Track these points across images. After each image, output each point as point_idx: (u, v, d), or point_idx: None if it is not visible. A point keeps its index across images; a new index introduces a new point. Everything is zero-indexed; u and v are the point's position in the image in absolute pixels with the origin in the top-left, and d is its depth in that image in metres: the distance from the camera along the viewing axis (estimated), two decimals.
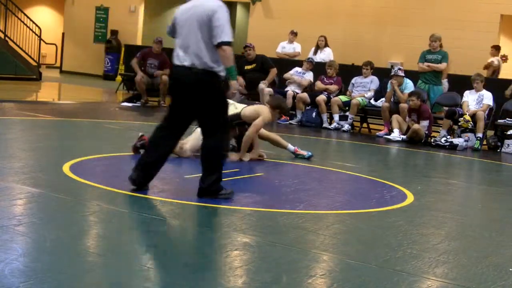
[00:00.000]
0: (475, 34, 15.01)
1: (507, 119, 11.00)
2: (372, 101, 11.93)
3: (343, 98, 12.07)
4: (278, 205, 5.48)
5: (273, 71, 12.62)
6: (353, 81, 12.33)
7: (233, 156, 7.25)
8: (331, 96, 12.14)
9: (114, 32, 19.93)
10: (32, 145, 7.50)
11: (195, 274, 3.58)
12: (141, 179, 5.36)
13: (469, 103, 10.98)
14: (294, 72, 12.78)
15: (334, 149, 10.44)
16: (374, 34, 16.27)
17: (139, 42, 19.43)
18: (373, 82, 12.14)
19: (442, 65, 11.73)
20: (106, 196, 5.19)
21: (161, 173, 6.36)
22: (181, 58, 5.27)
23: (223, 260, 3.88)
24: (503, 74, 15.47)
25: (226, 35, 5.16)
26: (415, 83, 11.72)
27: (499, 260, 4.32)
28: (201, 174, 5.36)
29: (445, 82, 11.83)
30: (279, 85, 12.90)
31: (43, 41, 19.36)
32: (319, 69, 12.76)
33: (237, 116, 7.30)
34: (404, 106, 11.02)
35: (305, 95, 12.25)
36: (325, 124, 12.01)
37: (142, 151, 6.55)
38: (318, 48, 14.04)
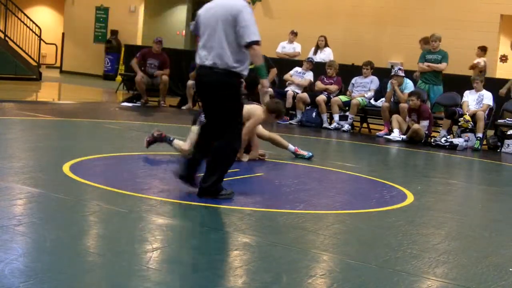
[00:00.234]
0: (475, 34, 15.00)
1: (507, 119, 11.00)
2: (372, 101, 11.93)
3: (343, 98, 12.07)
4: (278, 205, 5.48)
5: (273, 71, 12.61)
6: (353, 81, 12.33)
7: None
8: (331, 96, 12.14)
9: (114, 32, 19.94)
10: (32, 145, 7.50)
11: (195, 274, 3.58)
12: (187, 173, 5.43)
13: (469, 103, 10.99)
14: (294, 73, 12.78)
15: (334, 149, 10.44)
16: (374, 34, 16.27)
17: (139, 42, 19.43)
18: (373, 82, 12.14)
19: (442, 65, 11.73)
20: (106, 196, 5.19)
21: (161, 173, 6.37)
22: (203, 57, 5.29)
23: (223, 260, 3.88)
24: (503, 74, 15.48)
25: (254, 34, 5.17)
26: (415, 83, 11.72)
27: (499, 260, 4.32)
28: (203, 174, 5.37)
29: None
30: (279, 85, 12.90)
31: (43, 41, 19.37)
32: (319, 69, 12.76)
33: None
34: (404, 106, 11.03)
35: (305, 95, 12.25)
36: (325, 124, 12.01)
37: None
38: (318, 48, 14.03)
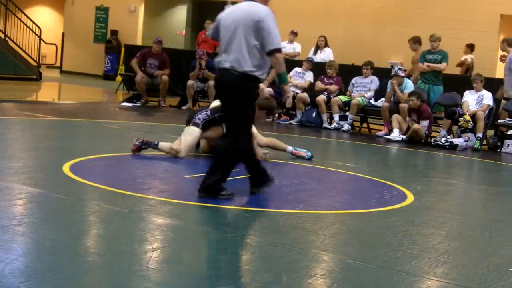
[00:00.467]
0: (475, 34, 15.00)
1: (507, 119, 11.00)
2: (372, 101, 11.93)
3: (343, 98, 12.07)
4: (278, 205, 5.48)
5: (273, 71, 12.51)
6: (353, 81, 12.33)
7: None
8: (331, 96, 12.14)
9: (114, 32, 19.94)
10: (32, 145, 7.50)
11: (195, 274, 3.59)
12: (256, 184, 5.63)
13: (469, 103, 10.99)
14: (294, 73, 12.78)
15: (334, 149, 10.44)
16: (374, 34, 16.27)
17: (139, 42, 19.43)
18: (373, 82, 12.14)
19: (442, 65, 11.73)
20: (106, 196, 5.20)
21: (161, 173, 6.37)
22: (222, 60, 5.36)
23: (223, 260, 3.88)
24: (503, 74, 15.49)
25: (277, 42, 5.24)
26: (415, 83, 11.72)
27: (499, 260, 4.32)
28: (204, 174, 5.37)
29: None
30: (279, 85, 12.88)
31: (43, 41, 19.37)
32: (319, 69, 12.76)
33: (218, 109, 7.32)
34: (404, 106, 11.03)
35: (305, 95, 12.25)
36: (325, 124, 12.01)
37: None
38: (318, 48, 14.03)
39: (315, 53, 14.01)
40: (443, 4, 15.52)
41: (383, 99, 11.68)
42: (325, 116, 12.08)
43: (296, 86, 12.54)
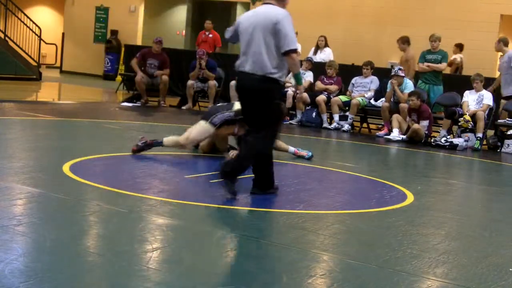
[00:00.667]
0: (475, 34, 15.01)
1: (507, 119, 11.01)
2: (372, 101, 11.93)
3: (343, 98, 12.07)
4: (278, 205, 5.48)
5: None
6: (353, 81, 12.33)
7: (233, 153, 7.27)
8: (331, 96, 12.14)
9: (114, 32, 19.94)
10: (32, 145, 7.50)
11: (195, 274, 3.58)
12: (260, 189, 5.59)
13: (469, 103, 10.99)
14: None
15: (334, 149, 10.44)
16: (374, 34, 16.27)
17: (139, 42, 19.43)
18: (373, 82, 12.15)
19: (442, 65, 11.74)
20: (106, 196, 5.20)
21: (161, 173, 6.37)
22: (242, 63, 5.45)
23: (223, 260, 3.88)
24: None
25: (292, 43, 5.31)
26: (415, 83, 11.72)
27: (499, 260, 4.32)
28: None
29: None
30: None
31: (43, 41, 19.37)
32: (319, 69, 12.76)
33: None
34: (404, 106, 11.03)
35: (305, 95, 12.25)
36: (325, 124, 12.01)
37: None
38: (318, 48, 14.03)
39: (315, 53, 14.00)
40: (443, 4, 15.51)
41: (383, 99, 11.68)
42: (325, 116, 12.08)
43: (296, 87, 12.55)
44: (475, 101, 10.97)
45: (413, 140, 10.66)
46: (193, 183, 6.08)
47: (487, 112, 10.86)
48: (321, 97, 12.04)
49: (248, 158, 5.48)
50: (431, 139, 10.75)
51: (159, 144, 7.22)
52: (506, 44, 11.41)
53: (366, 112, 12.12)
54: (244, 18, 5.59)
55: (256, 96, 5.41)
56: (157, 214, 4.74)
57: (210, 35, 15.76)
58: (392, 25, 16.03)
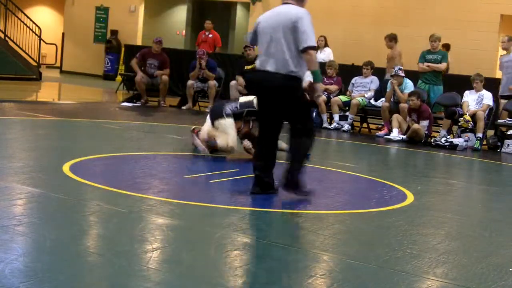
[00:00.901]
0: (475, 34, 15.01)
1: (507, 119, 11.00)
2: (372, 101, 11.93)
3: (343, 98, 12.07)
4: (278, 205, 5.48)
5: None
6: (353, 81, 12.33)
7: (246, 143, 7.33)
8: (331, 96, 12.13)
9: (114, 32, 19.93)
10: (32, 145, 7.50)
11: (195, 274, 3.58)
12: (261, 188, 5.58)
13: (469, 103, 10.99)
14: None
15: (334, 149, 10.44)
16: (374, 34, 16.26)
17: (139, 42, 19.42)
18: (373, 82, 12.14)
19: (442, 65, 11.74)
20: (106, 196, 5.19)
21: (161, 173, 6.37)
22: (263, 63, 5.49)
23: (223, 260, 3.88)
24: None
25: (310, 40, 5.36)
26: (415, 83, 11.72)
27: (499, 260, 4.32)
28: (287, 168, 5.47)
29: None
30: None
31: (43, 41, 19.36)
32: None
33: (249, 103, 7.34)
34: (404, 106, 11.03)
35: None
36: (325, 124, 12.00)
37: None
38: (318, 48, 14.02)
39: None
40: (443, 4, 15.51)
41: (383, 99, 11.68)
42: (325, 116, 12.07)
43: None
44: (475, 101, 10.97)
45: (413, 140, 10.66)
46: (193, 183, 6.08)
47: (487, 112, 10.85)
48: (321, 97, 12.02)
49: (304, 157, 5.62)
50: (431, 139, 10.75)
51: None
52: None
53: (366, 112, 12.12)
54: (263, 18, 5.64)
55: (281, 95, 5.46)
56: (157, 214, 4.74)
57: (210, 35, 15.76)
58: (392, 25, 16.00)
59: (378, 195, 6.30)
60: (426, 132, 10.71)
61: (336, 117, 11.99)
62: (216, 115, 7.31)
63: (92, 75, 20.34)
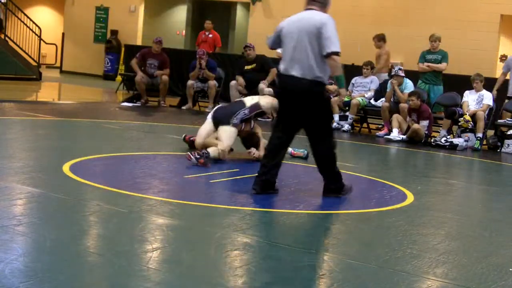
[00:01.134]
0: (475, 34, 15.00)
1: (507, 119, 11.00)
2: (372, 101, 11.93)
3: None
4: (278, 205, 5.48)
5: (273, 71, 12.61)
6: (353, 81, 12.33)
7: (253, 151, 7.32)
8: (331, 96, 12.12)
9: (114, 32, 19.93)
10: (32, 145, 7.50)
11: (195, 274, 3.58)
12: (262, 187, 5.64)
13: (469, 103, 10.99)
14: None
15: None
16: (374, 34, 16.24)
17: (139, 42, 19.42)
18: (373, 82, 12.14)
19: (442, 65, 11.74)
20: (106, 196, 5.20)
21: (161, 173, 6.37)
22: (289, 68, 5.57)
23: (223, 260, 3.88)
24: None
25: (335, 45, 5.45)
26: (415, 83, 11.72)
27: (499, 260, 4.32)
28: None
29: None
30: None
31: (43, 41, 19.36)
32: None
33: (257, 105, 7.34)
34: (404, 106, 11.03)
35: None
36: None
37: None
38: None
39: None
40: (443, 4, 15.51)
41: (383, 99, 11.68)
42: None
43: None
44: (475, 101, 10.97)
45: (413, 140, 10.66)
46: (193, 183, 6.08)
47: (487, 112, 10.85)
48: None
49: (334, 165, 5.72)
50: (431, 139, 10.75)
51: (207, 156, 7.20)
52: None
53: (366, 112, 12.12)
54: (287, 23, 5.71)
55: (307, 100, 5.54)
56: (157, 214, 4.74)
57: (210, 35, 15.77)
58: (392, 25, 16.01)
59: (378, 195, 6.30)
60: (426, 132, 10.71)
61: (336, 117, 11.98)
62: (223, 120, 7.28)
63: (92, 75, 20.33)
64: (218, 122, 7.28)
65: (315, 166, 7.54)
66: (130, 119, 11.03)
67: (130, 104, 13.01)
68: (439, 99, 11.66)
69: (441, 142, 10.46)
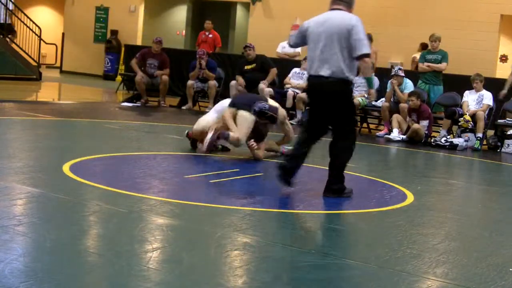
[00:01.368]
0: (475, 34, 15.00)
1: (507, 119, 11.00)
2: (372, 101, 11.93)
3: None
4: (278, 205, 5.48)
5: (273, 71, 12.62)
6: (353, 81, 12.30)
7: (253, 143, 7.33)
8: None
9: (114, 32, 19.93)
10: (32, 145, 7.50)
11: (195, 274, 3.58)
12: (287, 177, 5.72)
13: (469, 103, 10.99)
14: (293, 74, 12.77)
15: None
16: (374, 34, 16.26)
17: (139, 42, 19.42)
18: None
19: (442, 65, 11.74)
20: (106, 196, 5.20)
21: (161, 173, 6.38)
22: (317, 68, 5.65)
23: (223, 260, 3.88)
24: (503, 74, 15.45)
25: (366, 47, 5.60)
26: (415, 83, 11.72)
27: (499, 260, 4.32)
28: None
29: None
30: (279, 85, 12.90)
31: (43, 41, 19.35)
32: None
33: (275, 109, 7.48)
34: (404, 106, 11.03)
35: (305, 95, 12.22)
36: None
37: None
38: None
39: None
40: (443, 4, 15.51)
41: (383, 99, 11.68)
42: None
43: (295, 87, 12.55)
44: (475, 101, 10.97)
45: (413, 140, 10.66)
46: (193, 183, 6.08)
47: (487, 112, 10.86)
48: None
49: (345, 164, 5.85)
50: (431, 139, 10.75)
51: (227, 137, 7.25)
52: None
53: (366, 112, 12.12)
54: (314, 23, 5.77)
55: (336, 99, 5.68)
56: (157, 214, 4.74)
57: (210, 35, 15.76)
58: (392, 25, 16.02)
59: (378, 195, 6.30)
60: (426, 132, 10.71)
61: None
62: (244, 105, 7.28)
63: (92, 75, 20.33)
64: (238, 107, 7.28)
65: (315, 166, 7.55)
66: (130, 119, 11.03)
67: (130, 104, 13.01)
68: (439, 99, 11.66)
69: (441, 142, 10.46)
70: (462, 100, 11.10)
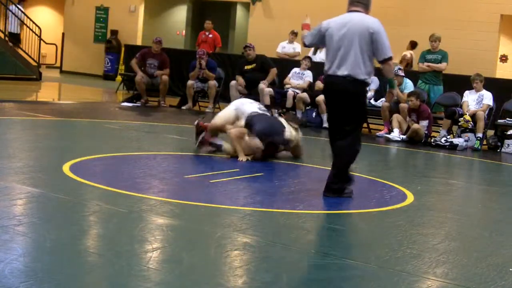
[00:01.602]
0: (475, 34, 15.00)
1: (507, 119, 11.00)
2: (372, 101, 11.93)
3: None
4: (278, 205, 5.48)
5: (273, 71, 12.62)
6: None
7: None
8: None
9: (114, 32, 19.93)
10: (32, 145, 7.50)
11: (195, 274, 3.58)
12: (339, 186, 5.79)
13: (469, 103, 10.98)
14: (293, 74, 12.78)
15: None
16: None
17: (139, 42, 19.42)
18: (373, 82, 12.12)
19: (442, 65, 11.74)
20: (106, 196, 5.20)
21: (161, 173, 6.37)
22: (336, 69, 5.72)
23: (223, 260, 3.88)
24: (503, 74, 15.47)
25: (389, 51, 5.71)
26: (415, 83, 11.72)
27: (499, 260, 4.32)
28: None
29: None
30: (279, 85, 12.90)
31: (43, 41, 19.34)
32: (319, 69, 12.73)
33: (289, 141, 7.64)
34: (404, 106, 11.02)
35: (305, 95, 12.25)
36: (325, 124, 11.96)
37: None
38: (318, 48, 14.01)
39: (314, 53, 14.00)
40: (443, 4, 15.51)
41: (383, 99, 11.68)
42: (325, 116, 12.04)
43: (296, 87, 12.55)
44: (475, 101, 10.97)
45: (413, 140, 10.66)
46: (193, 183, 6.08)
47: (487, 112, 10.85)
48: (321, 97, 11.99)
49: (349, 164, 5.83)
50: (431, 139, 10.75)
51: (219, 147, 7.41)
52: None
53: (366, 112, 12.09)
54: (334, 24, 5.81)
55: (352, 99, 5.70)
56: (157, 214, 4.74)
57: (210, 35, 15.76)
58: (392, 25, 15.96)
59: (378, 195, 6.30)
60: (426, 132, 10.71)
61: None
62: (260, 133, 7.27)
63: (92, 75, 20.33)
64: (252, 132, 7.28)
65: (315, 166, 7.55)
66: (130, 119, 11.03)
67: (130, 104, 13.01)
68: (439, 99, 11.66)
69: (441, 142, 10.46)
70: (462, 100, 11.10)
